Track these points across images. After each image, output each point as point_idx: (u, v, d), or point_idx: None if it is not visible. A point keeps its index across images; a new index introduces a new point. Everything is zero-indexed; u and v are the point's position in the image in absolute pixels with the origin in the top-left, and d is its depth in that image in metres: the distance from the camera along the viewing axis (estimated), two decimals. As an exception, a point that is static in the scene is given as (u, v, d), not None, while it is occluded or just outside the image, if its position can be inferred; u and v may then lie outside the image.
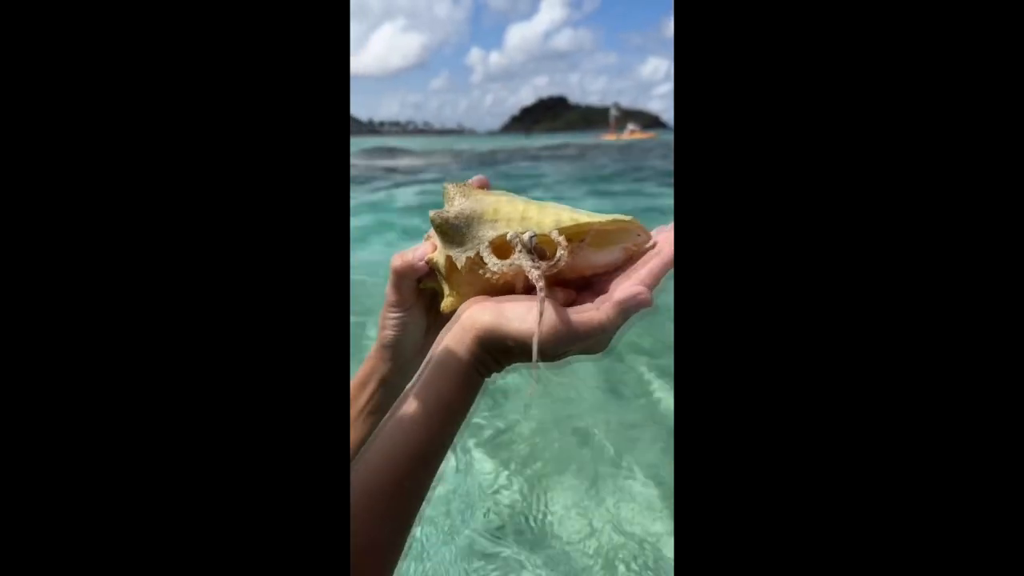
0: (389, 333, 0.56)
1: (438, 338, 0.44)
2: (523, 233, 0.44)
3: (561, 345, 0.42)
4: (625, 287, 0.43)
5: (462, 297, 0.48)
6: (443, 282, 0.48)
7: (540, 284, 0.42)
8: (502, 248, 0.45)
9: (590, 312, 0.42)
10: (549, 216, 0.45)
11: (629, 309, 0.42)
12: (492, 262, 0.44)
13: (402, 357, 0.53)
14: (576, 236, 0.45)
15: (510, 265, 0.43)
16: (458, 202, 0.47)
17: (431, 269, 0.50)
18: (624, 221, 0.45)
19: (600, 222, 0.45)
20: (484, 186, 0.49)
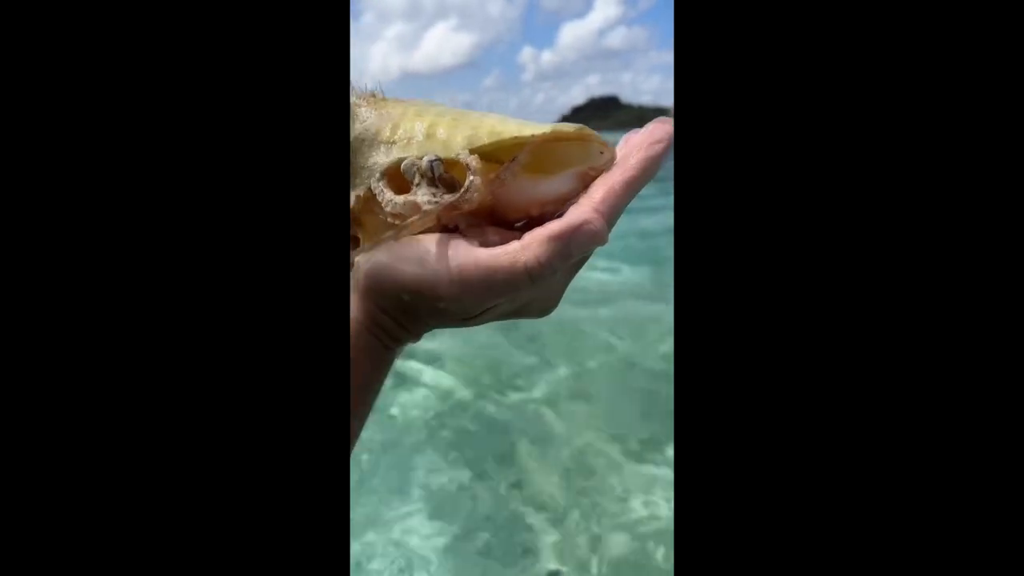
0: None
1: None
2: (421, 158, 0.31)
3: (475, 297, 0.29)
4: (566, 216, 0.29)
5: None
6: (356, 228, 0.35)
7: (437, 220, 0.29)
8: (401, 179, 0.31)
9: (513, 252, 0.29)
10: (462, 131, 0.31)
11: (569, 244, 0.28)
12: (386, 199, 0.31)
13: None
14: (501, 156, 0.31)
15: (404, 203, 0.30)
16: (361, 117, 0.34)
17: None
18: (569, 132, 0.31)
19: (534, 135, 0.31)
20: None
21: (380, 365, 0.32)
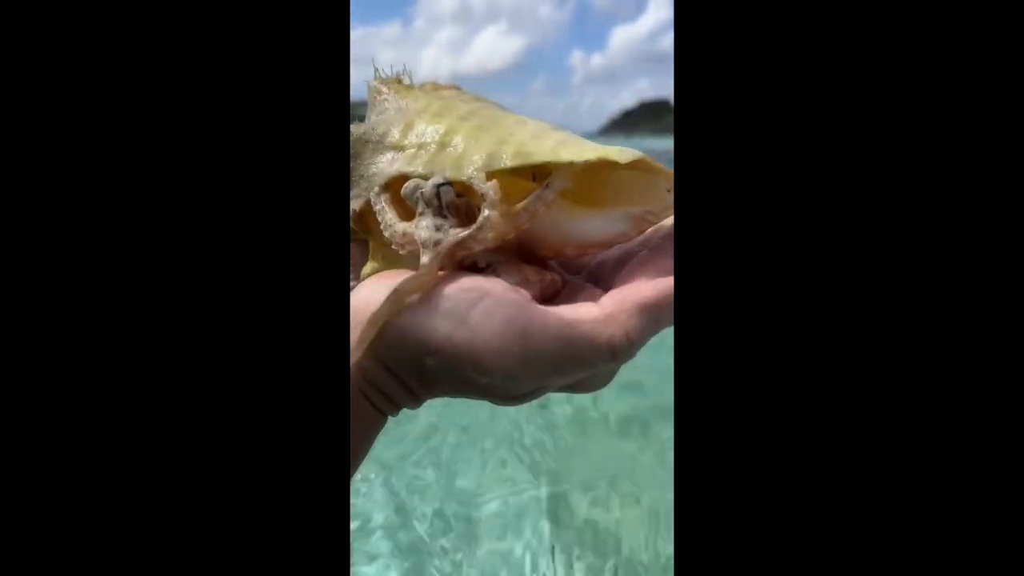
0: None
1: None
2: (425, 180, 0.24)
3: (535, 375, 0.22)
4: (657, 281, 0.22)
5: (388, 262, 0.29)
6: (364, 231, 0.29)
7: (438, 269, 0.23)
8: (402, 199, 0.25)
9: (593, 322, 0.22)
10: (482, 146, 0.24)
11: (662, 316, 0.22)
12: (385, 222, 0.25)
13: None
14: (531, 178, 0.24)
15: (403, 234, 0.24)
16: (379, 108, 0.28)
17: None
18: (622, 160, 0.23)
19: (573, 161, 0.23)
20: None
21: (368, 434, 0.25)
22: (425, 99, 0.27)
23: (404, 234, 0.24)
